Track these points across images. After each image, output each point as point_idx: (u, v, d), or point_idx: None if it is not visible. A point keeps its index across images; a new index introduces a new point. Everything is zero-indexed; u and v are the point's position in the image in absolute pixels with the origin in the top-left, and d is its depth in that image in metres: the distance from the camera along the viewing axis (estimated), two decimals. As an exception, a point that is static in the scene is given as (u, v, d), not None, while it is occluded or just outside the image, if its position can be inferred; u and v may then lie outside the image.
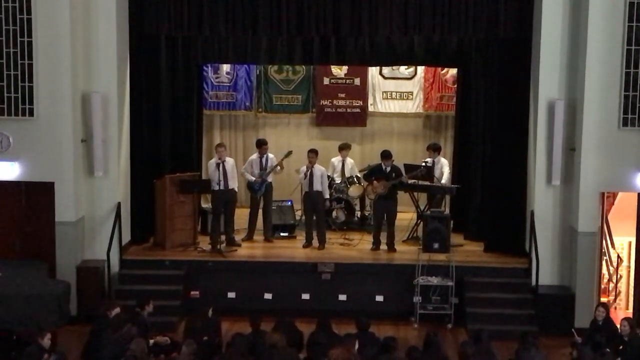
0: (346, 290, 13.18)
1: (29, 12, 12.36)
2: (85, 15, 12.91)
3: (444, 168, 14.81)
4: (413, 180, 14.34)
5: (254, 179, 14.44)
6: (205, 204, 15.31)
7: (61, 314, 12.28)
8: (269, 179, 14.49)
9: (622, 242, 14.06)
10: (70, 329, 12.12)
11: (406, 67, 16.59)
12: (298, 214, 15.17)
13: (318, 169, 14.19)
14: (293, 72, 16.95)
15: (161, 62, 14.14)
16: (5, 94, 12.52)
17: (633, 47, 12.24)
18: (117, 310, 10.86)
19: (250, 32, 13.60)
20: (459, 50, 14.23)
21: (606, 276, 13.66)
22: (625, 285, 14.05)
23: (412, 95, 17.01)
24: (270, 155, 14.58)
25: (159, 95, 14.18)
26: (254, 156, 14.69)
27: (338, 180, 15.55)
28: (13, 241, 13.02)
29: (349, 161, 15.79)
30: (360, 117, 17.04)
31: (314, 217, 14.25)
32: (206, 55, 14.55)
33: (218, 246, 13.73)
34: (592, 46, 12.31)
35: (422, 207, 14.67)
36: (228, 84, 17.00)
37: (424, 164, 14.59)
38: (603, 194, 12.87)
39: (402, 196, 14.68)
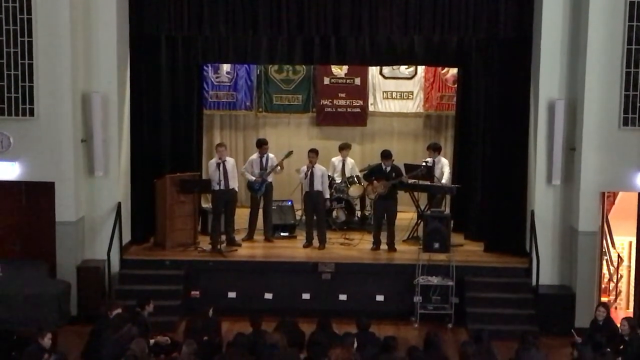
0: (346, 290, 13.17)
1: (29, 12, 12.35)
2: (85, 15, 12.91)
3: (444, 168, 14.79)
4: (413, 180, 14.32)
5: (254, 178, 14.43)
6: (206, 204, 15.30)
7: (61, 314, 12.30)
8: (269, 178, 14.48)
9: (622, 241, 14.07)
10: (70, 329, 12.12)
11: (406, 66, 16.57)
12: (298, 213, 15.16)
13: (318, 168, 14.18)
14: (293, 72, 16.93)
15: (161, 62, 14.11)
16: (6, 94, 12.52)
17: (633, 47, 12.23)
18: (119, 310, 10.84)
19: (251, 32, 13.61)
20: (459, 50, 14.19)
21: (607, 276, 13.67)
22: (626, 285, 14.05)
23: (412, 95, 17.00)
24: (271, 155, 14.57)
25: (159, 95, 14.16)
26: (254, 156, 14.68)
27: (338, 180, 15.53)
28: (13, 241, 13.02)
29: (349, 161, 15.77)
30: (360, 117, 17.03)
31: (315, 217, 14.24)
32: (206, 55, 14.51)
33: (218, 246, 13.73)
34: (592, 46, 12.30)
35: (422, 207, 14.65)
36: (228, 84, 16.99)
37: (424, 163, 14.55)
38: (603, 193, 12.86)
39: (402, 196, 14.67)
